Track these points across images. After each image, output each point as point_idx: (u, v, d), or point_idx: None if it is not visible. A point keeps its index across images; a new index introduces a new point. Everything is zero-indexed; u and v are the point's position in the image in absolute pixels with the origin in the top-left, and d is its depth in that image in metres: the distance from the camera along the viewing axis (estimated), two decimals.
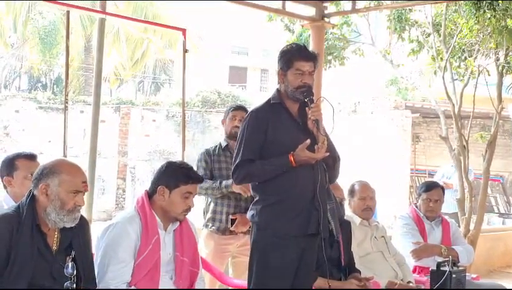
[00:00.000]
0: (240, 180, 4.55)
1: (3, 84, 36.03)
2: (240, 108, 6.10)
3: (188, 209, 4.30)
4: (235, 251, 6.02)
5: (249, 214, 4.56)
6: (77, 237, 3.75)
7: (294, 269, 4.37)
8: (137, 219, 4.21)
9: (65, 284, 3.58)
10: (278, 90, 4.57)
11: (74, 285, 3.61)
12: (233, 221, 5.86)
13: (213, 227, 5.97)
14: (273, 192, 4.40)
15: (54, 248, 3.64)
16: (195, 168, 5.97)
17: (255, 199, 4.54)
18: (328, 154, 4.38)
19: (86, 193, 3.75)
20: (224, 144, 6.02)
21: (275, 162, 4.36)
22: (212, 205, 5.97)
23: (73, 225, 3.65)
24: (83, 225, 3.84)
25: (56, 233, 3.66)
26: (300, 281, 4.42)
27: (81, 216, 3.82)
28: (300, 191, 4.38)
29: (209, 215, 6.01)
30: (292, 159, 4.29)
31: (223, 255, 6.03)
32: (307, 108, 4.42)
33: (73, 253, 3.67)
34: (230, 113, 6.03)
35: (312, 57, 4.50)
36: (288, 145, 4.33)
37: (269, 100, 4.57)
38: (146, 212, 4.22)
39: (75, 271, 3.61)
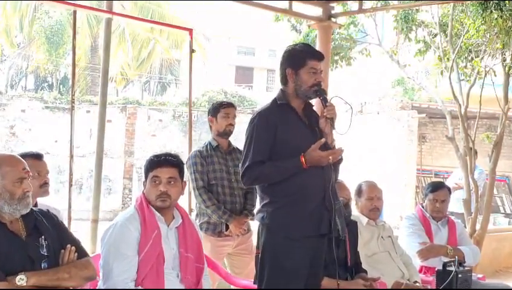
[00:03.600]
0: (250, 182, 4.48)
1: (9, 84, 36.11)
2: (232, 105, 6.09)
3: (162, 194, 4.28)
4: (231, 251, 6.04)
5: (258, 216, 4.48)
6: (41, 221, 3.81)
7: (307, 270, 4.36)
8: (137, 215, 4.27)
9: (42, 263, 3.67)
10: (283, 91, 4.53)
11: (46, 264, 3.69)
12: (228, 225, 5.87)
13: (208, 230, 5.96)
14: (284, 194, 4.34)
15: (23, 233, 3.70)
16: (187, 170, 5.93)
17: (264, 201, 4.46)
18: (341, 156, 4.37)
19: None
20: (214, 143, 5.99)
21: (286, 164, 4.31)
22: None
23: (28, 211, 3.73)
24: (44, 214, 3.90)
25: (19, 221, 3.71)
26: (311, 282, 4.41)
27: (44, 211, 3.93)
28: (311, 192, 4.34)
29: (204, 219, 5.99)
30: (303, 160, 4.26)
31: (219, 257, 6.04)
32: (322, 107, 4.41)
33: (43, 236, 3.75)
34: (222, 110, 5.98)
35: (322, 57, 4.53)
36: (297, 145, 4.30)
37: (275, 101, 4.52)
38: (144, 209, 4.29)
39: (46, 251, 3.71)
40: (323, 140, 4.28)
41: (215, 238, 5.95)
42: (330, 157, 4.31)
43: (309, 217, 4.33)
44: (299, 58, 4.45)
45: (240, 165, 4.48)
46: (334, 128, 4.40)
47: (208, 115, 6.14)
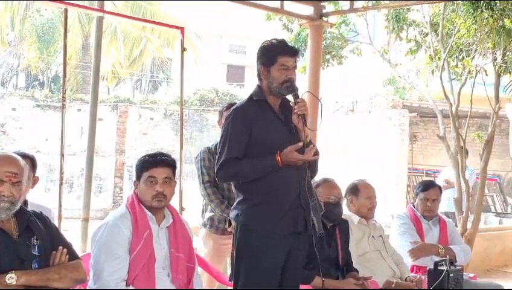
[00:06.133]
0: (224, 179, 4.51)
1: (0, 82, 35.97)
2: (232, 106, 6.10)
3: (158, 195, 4.29)
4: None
5: (232, 213, 4.45)
6: (34, 222, 3.79)
7: (281, 268, 4.34)
8: (128, 215, 4.27)
9: (33, 263, 3.65)
10: (259, 87, 4.49)
11: (37, 264, 3.68)
12: (230, 222, 5.87)
13: (212, 227, 6.00)
14: (258, 191, 4.32)
15: (15, 232, 3.68)
16: (195, 167, 5.98)
17: (238, 199, 4.44)
18: (318, 157, 4.34)
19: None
20: None
21: (261, 162, 4.29)
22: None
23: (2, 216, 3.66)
24: (37, 215, 3.88)
25: (11, 219, 3.70)
26: (289, 281, 4.40)
27: (38, 213, 3.91)
28: (286, 190, 4.32)
29: (208, 215, 6.04)
30: (279, 159, 4.24)
31: (222, 255, 6.06)
32: (292, 103, 4.40)
33: (35, 236, 3.73)
34: (224, 113, 6.02)
35: (295, 52, 4.47)
36: (273, 142, 4.28)
37: (251, 97, 4.48)
38: (135, 208, 4.29)
39: (37, 252, 3.70)
40: (300, 144, 4.26)
41: (218, 235, 6.00)
42: (308, 158, 4.29)
43: (284, 215, 4.31)
44: (271, 55, 4.42)
45: (216, 161, 4.42)
46: (306, 125, 4.36)
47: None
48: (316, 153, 4.37)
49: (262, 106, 4.43)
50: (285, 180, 4.32)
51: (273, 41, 4.54)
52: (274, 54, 4.41)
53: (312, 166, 4.51)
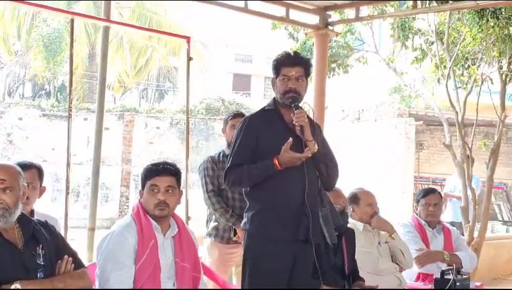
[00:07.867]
0: (230, 185, 4.57)
1: (7, 92, 36.08)
2: (238, 115, 6.05)
3: (160, 203, 4.29)
4: (239, 260, 6.03)
5: (242, 222, 4.60)
6: (40, 231, 3.78)
7: (287, 275, 4.38)
8: (134, 225, 4.27)
9: (38, 273, 3.64)
10: (274, 98, 4.63)
11: (42, 274, 3.66)
12: (236, 231, 5.87)
13: (217, 237, 5.98)
14: (262, 198, 4.43)
15: (20, 242, 3.66)
16: (198, 175, 5.98)
17: (246, 206, 4.57)
18: (309, 154, 4.37)
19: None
20: (227, 151, 6.01)
21: (260, 165, 4.39)
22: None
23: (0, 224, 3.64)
24: (42, 224, 3.88)
25: (16, 228, 3.69)
26: (296, 287, 4.42)
27: (43, 222, 3.91)
28: (289, 197, 4.39)
29: (212, 225, 6.02)
30: (276, 161, 4.31)
31: (227, 265, 6.06)
32: (291, 114, 4.45)
33: (41, 245, 3.72)
34: (229, 122, 6.02)
35: (298, 62, 4.55)
36: (278, 150, 4.34)
37: (264, 107, 4.65)
38: (141, 218, 4.29)
39: (42, 261, 3.68)
40: (290, 140, 4.31)
41: (223, 245, 5.97)
42: (302, 155, 4.33)
43: (287, 222, 4.37)
44: (276, 68, 4.57)
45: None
46: (303, 135, 4.41)
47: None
48: (325, 159, 4.49)
49: (273, 116, 4.56)
50: (288, 187, 4.39)
51: (283, 53, 4.66)
52: (278, 66, 4.56)
53: (322, 175, 4.55)
